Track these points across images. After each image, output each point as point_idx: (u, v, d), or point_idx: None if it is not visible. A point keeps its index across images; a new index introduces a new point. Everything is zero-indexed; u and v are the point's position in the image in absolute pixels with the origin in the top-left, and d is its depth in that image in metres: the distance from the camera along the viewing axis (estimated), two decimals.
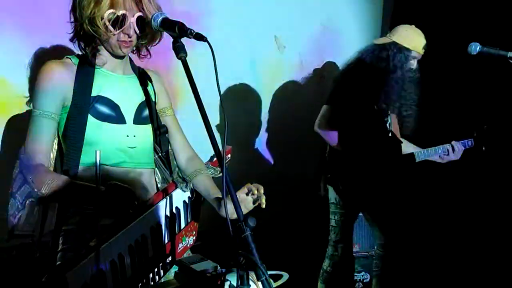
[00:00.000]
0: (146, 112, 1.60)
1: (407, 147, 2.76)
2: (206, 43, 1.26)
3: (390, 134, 2.65)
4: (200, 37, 1.29)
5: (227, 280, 1.16)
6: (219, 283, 1.16)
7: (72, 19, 1.51)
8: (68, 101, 1.48)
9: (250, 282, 1.10)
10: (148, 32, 1.54)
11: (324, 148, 2.63)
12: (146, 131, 1.60)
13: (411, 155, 2.72)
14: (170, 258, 1.57)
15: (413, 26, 2.62)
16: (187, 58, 1.28)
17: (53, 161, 1.53)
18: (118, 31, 1.47)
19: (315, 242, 2.86)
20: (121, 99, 1.54)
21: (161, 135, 1.66)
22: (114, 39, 1.49)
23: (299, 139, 3.34)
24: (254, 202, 1.52)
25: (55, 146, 1.54)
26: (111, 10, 1.44)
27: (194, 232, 1.72)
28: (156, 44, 1.62)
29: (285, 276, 1.39)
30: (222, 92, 2.99)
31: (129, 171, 1.54)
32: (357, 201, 2.57)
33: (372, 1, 3.92)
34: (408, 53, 2.54)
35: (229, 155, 2.07)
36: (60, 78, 1.48)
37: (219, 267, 1.26)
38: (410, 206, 2.87)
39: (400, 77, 2.51)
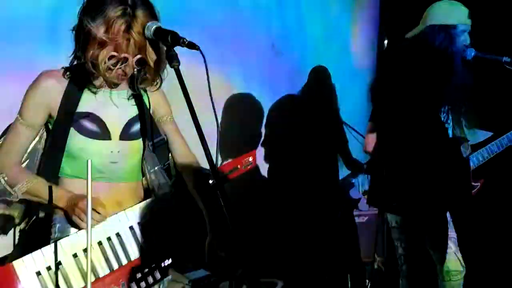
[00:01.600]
0: (137, 127, 1.58)
1: (480, 137, 2.45)
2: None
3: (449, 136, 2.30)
4: (192, 46, 1.30)
5: None
6: None
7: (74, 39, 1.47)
8: (55, 113, 1.50)
9: None
10: (147, 73, 1.51)
11: (380, 169, 2.30)
12: (133, 146, 1.58)
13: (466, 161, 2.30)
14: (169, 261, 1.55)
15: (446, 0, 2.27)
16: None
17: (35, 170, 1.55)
18: (117, 68, 1.43)
19: (311, 250, 2.86)
20: (108, 115, 1.53)
21: (156, 148, 1.64)
22: (112, 73, 1.45)
23: (297, 147, 3.36)
24: None
25: (38, 155, 1.55)
26: (113, 53, 1.40)
27: None
28: (157, 89, 1.58)
29: (280, 284, 1.39)
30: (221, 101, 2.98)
31: (109, 186, 1.54)
32: (422, 223, 2.26)
33: (370, 5, 3.95)
34: (453, 30, 2.18)
35: (250, 158, 1.95)
36: (47, 91, 1.48)
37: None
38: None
39: (453, 62, 2.17)
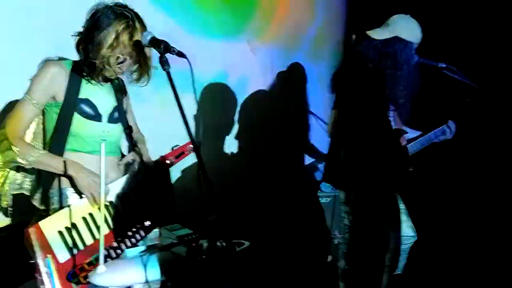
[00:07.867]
0: (117, 114, 1.98)
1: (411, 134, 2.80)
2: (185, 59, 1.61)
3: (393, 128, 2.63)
4: (180, 54, 1.63)
5: (201, 243, 1.53)
6: (194, 245, 1.52)
7: (83, 41, 1.82)
8: (60, 98, 1.84)
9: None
10: (138, 71, 1.90)
11: (336, 152, 2.62)
12: (116, 128, 1.98)
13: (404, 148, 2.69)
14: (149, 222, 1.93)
15: (408, 15, 2.57)
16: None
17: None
18: (119, 66, 1.83)
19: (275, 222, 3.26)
20: (100, 103, 1.91)
21: (131, 133, 2.05)
22: (116, 70, 1.85)
23: (269, 139, 3.71)
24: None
25: (41, 135, 1.89)
26: (120, 56, 1.80)
27: None
28: (145, 84, 1.94)
29: (246, 243, 1.75)
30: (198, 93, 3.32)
31: (99, 158, 1.84)
32: (368, 203, 2.55)
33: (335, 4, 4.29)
34: (412, 46, 2.51)
35: (191, 145, 2.30)
36: (54, 78, 1.83)
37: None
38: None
39: (407, 72, 2.48)
